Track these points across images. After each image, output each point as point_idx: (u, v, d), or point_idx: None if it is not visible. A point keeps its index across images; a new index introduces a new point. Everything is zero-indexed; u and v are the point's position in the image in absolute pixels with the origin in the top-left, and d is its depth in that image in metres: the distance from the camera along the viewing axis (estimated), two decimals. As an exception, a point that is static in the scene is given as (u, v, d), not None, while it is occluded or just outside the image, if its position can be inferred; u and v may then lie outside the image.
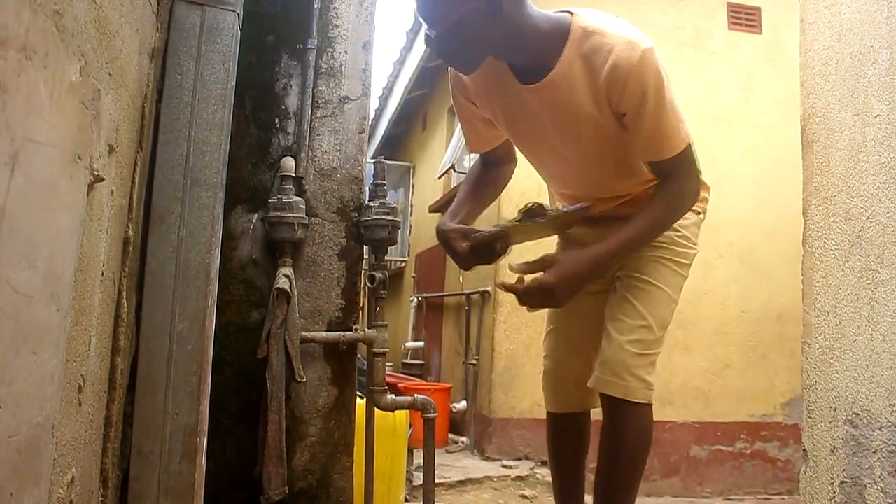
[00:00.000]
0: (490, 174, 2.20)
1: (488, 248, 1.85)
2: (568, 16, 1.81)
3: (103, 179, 1.32)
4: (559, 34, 1.79)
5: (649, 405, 1.95)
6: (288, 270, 2.28)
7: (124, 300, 1.59)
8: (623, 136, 1.86)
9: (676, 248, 2.04)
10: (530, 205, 1.82)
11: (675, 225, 1.99)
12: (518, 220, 1.83)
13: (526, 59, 1.83)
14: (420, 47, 7.57)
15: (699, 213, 2.15)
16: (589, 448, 2.23)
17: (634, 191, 2.03)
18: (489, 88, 1.95)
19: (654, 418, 2.03)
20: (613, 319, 1.96)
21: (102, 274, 1.42)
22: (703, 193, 2.09)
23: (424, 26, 1.76)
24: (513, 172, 2.25)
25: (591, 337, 2.06)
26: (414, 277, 8.42)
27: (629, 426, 1.94)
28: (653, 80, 1.75)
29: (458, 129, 6.96)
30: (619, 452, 1.96)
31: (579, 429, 2.22)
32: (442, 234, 1.92)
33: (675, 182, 1.87)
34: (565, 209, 1.96)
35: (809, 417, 1.59)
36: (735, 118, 5.71)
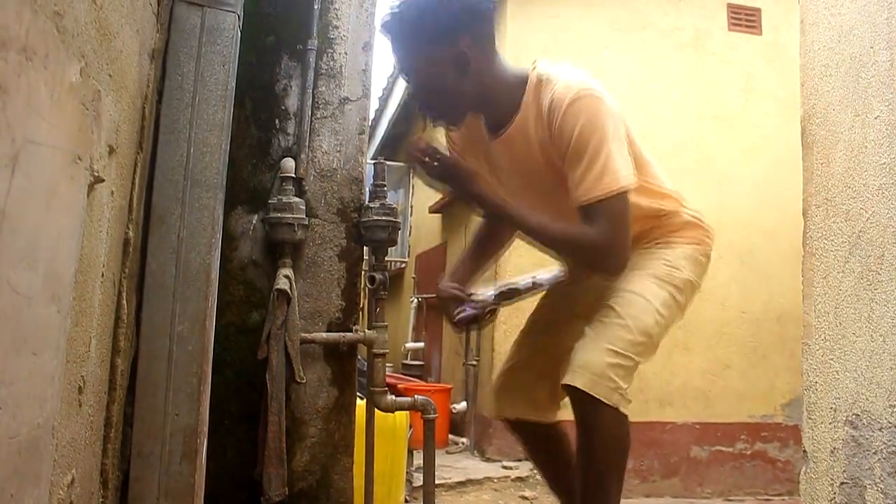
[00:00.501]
0: (492, 230, 2.25)
1: (475, 318, 2.01)
2: (529, 68, 1.90)
3: (103, 180, 1.32)
4: (520, 85, 1.88)
5: (622, 414, 1.79)
6: (288, 271, 2.28)
7: (124, 301, 1.59)
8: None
9: (661, 268, 1.97)
10: (503, 288, 2.03)
11: (663, 254, 1.97)
12: (494, 302, 2.03)
13: (494, 112, 1.92)
14: (420, 48, 7.56)
15: (697, 244, 2.06)
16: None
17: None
18: (472, 145, 2.05)
19: (654, 419, 2.01)
20: (590, 322, 1.90)
21: (102, 275, 1.42)
22: (702, 236, 2.05)
23: (406, 83, 1.92)
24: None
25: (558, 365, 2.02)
26: (414, 278, 8.42)
27: (596, 428, 1.79)
28: (585, 119, 1.76)
29: (459, 129, 6.97)
30: (586, 460, 1.84)
31: (547, 435, 2.15)
32: (438, 294, 2.05)
33: (594, 228, 1.79)
34: (538, 281, 2.06)
35: (809, 418, 1.59)
36: (735, 119, 5.71)
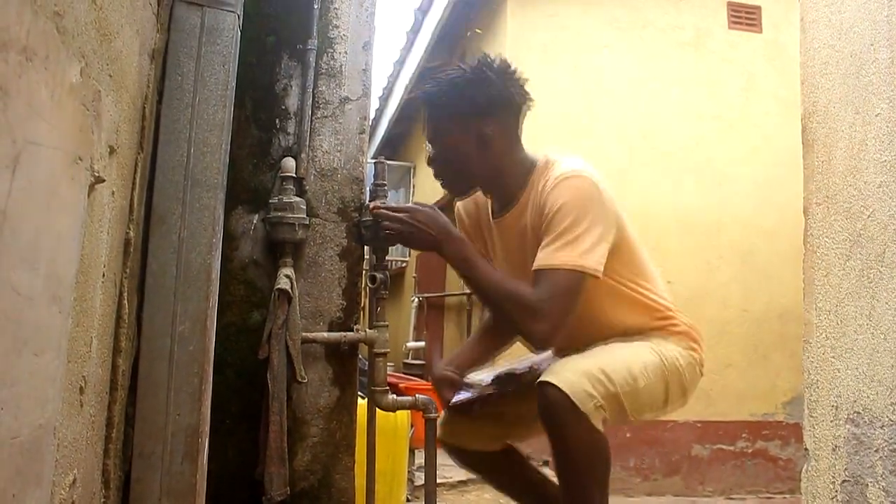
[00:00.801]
0: (497, 324, 2.25)
1: (472, 403, 2.02)
2: (540, 153, 1.97)
3: (104, 181, 1.32)
4: (528, 169, 1.94)
5: (594, 426, 1.71)
6: (289, 271, 2.28)
7: (125, 301, 1.59)
8: None
9: (654, 340, 1.96)
10: (502, 374, 1.97)
11: (656, 337, 1.95)
12: (491, 390, 2.02)
13: (502, 194, 1.98)
14: (420, 47, 7.58)
15: (690, 350, 2.01)
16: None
17: (606, 332, 1.96)
18: (478, 223, 2.13)
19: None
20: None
21: (103, 275, 1.42)
22: (695, 346, 2.02)
23: (428, 147, 1.97)
24: None
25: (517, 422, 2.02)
26: (415, 277, 8.42)
27: (567, 436, 1.70)
28: (569, 197, 1.80)
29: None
30: (561, 472, 1.76)
31: (494, 461, 2.12)
32: (433, 377, 2.09)
33: (534, 290, 1.78)
34: (535, 365, 2.02)
35: (811, 416, 1.59)
36: (736, 118, 5.71)
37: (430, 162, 1.98)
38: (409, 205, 1.92)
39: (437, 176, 2.02)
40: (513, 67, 1.94)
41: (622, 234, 1.91)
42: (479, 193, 2.09)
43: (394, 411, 2.48)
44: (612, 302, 1.92)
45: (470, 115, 1.90)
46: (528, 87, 1.96)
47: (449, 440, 2.12)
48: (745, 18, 5.86)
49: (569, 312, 1.76)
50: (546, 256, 1.77)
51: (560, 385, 1.71)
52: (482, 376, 2.03)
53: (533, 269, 1.78)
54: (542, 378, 1.75)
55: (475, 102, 1.90)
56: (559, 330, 1.78)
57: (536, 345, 1.86)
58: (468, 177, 1.97)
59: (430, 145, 1.97)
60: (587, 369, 1.75)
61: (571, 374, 1.74)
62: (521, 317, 1.78)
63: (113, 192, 1.44)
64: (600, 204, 1.82)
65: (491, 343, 2.25)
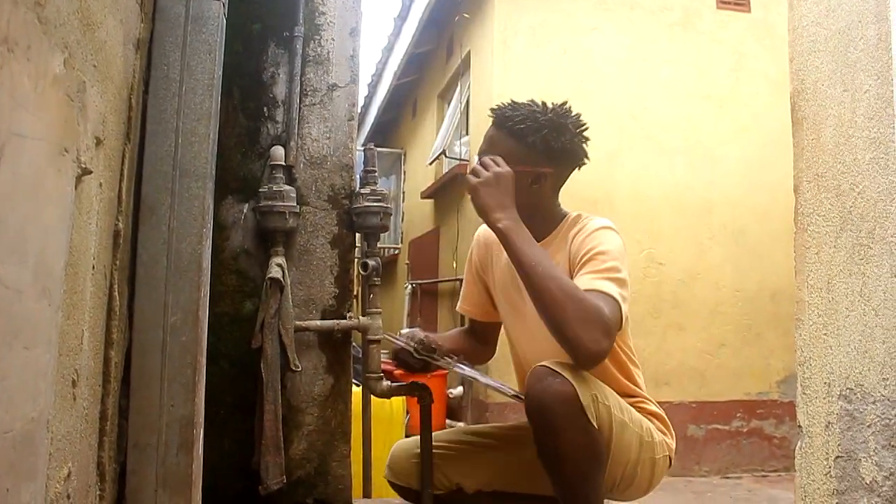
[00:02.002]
0: (472, 340, 2.26)
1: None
2: (572, 211, 2.01)
3: (91, 172, 1.31)
4: (559, 218, 1.99)
5: (591, 424, 1.63)
6: (280, 260, 2.28)
7: (116, 293, 1.59)
8: None
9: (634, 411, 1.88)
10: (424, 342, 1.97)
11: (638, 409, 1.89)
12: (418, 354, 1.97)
13: (533, 229, 1.90)
14: (408, 33, 7.55)
15: (661, 432, 1.92)
16: None
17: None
18: (492, 257, 2.11)
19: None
20: None
21: (93, 267, 1.41)
22: (662, 427, 1.93)
23: (475, 160, 1.93)
24: (486, 359, 2.35)
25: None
26: (407, 264, 8.42)
27: (561, 428, 1.61)
28: (600, 240, 1.82)
29: (449, 114, 6.96)
30: (551, 471, 1.68)
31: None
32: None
33: (605, 310, 1.67)
34: (463, 367, 1.98)
35: (804, 393, 1.59)
36: (726, 98, 5.71)
37: (473, 172, 1.91)
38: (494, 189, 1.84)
39: (477, 193, 1.92)
40: (585, 124, 1.99)
41: None
42: None
43: (388, 398, 2.49)
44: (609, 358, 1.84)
45: (537, 155, 1.91)
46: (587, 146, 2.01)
47: (397, 480, 2.09)
48: (734, -2, 5.85)
49: (613, 340, 1.69)
50: (601, 283, 1.71)
51: (564, 373, 1.63)
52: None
53: (588, 287, 1.70)
54: (546, 363, 1.68)
55: (548, 146, 1.91)
56: (608, 352, 1.68)
57: (592, 360, 1.66)
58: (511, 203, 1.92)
59: (481, 157, 1.94)
60: (589, 380, 1.70)
61: (574, 371, 1.67)
62: (590, 326, 1.63)
63: (101, 184, 1.43)
64: (621, 251, 1.84)
65: (466, 345, 2.23)
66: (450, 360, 1.91)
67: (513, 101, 1.96)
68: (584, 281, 1.72)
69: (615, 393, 1.79)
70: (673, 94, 5.63)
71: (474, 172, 1.87)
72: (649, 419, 1.90)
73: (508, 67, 5.45)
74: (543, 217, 1.97)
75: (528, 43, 5.50)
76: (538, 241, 1.89)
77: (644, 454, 1.82)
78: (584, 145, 1.97)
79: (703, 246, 5.53)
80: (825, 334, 1.53)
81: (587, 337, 1.62)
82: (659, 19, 5.70)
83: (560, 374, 1.63)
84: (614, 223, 1.94)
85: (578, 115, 1.99)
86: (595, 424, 1.64)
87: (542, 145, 1.90)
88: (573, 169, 2.00)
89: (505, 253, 1.89)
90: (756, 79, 5.71)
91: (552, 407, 1.62)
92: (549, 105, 1.95)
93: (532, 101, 1.97)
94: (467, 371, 1.92)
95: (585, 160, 1.99)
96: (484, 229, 2.14)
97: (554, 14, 5.55)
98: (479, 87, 5.98)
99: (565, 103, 1.98)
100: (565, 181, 2.02)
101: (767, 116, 5.41)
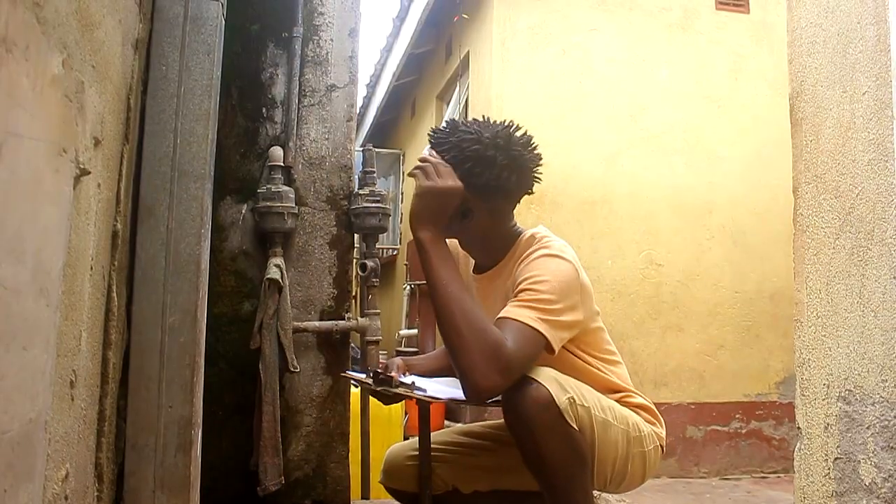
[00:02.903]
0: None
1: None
2: (527, 230, 1.88)
3: (90, 173, 1.31)
4: (513, 239, 1.86)
5: (570, 427, 1.61)
6: (279, 260, 2.27)
7: (114, 294, 1.59)
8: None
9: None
10: (380, 373, 1.83)
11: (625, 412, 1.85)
12: (371, 386, 1.85)
13: (483, 257, 1.90)
14: (407, 34, 7.55)
15: (649, 423, 1.89)
16: None
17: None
18: (463, 264, 2.02)
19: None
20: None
21: (92, 268, 1.41)
22: (650, 417, 1.90)
23: (426, 151, 1.81)
24: None
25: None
26: (406, 265, 8.41)
27: (539, 428, 1.59)
28: (540, 270, 1.70)
29: (447, 115, 6.96)
30: (536, 473, 1.65)
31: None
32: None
33: (504, 338, 1.60)
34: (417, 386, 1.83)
35: (803, 395, 1.59)
36: (725, 99, 5.71)
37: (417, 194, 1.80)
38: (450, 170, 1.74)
39: (421, 209, 1.82)
40: (531, 147, 1.83)
41: (588, 322, 1.84)
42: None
43: (387, 399, 2.48)
44: (568, 373, 1.82)
45: (477, 186, 1.77)
46: (539, 171, 1.87)
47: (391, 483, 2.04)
48: (733, -1, 5.86)
49: (522, 373, 1.62)
50: (519, 311, 1.65)
51: (540, 379, 1.61)
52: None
53: (500, 315, 1.65)
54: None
55: (473, 181, 1.76)
56: (502, 390, 1.62)
57: (477, 394, 1.62)
58: (449, 230, 1.83)
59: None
60: (557, 376, 1.67)
61: (552, 375, 1.66)
62: (482, 358, 1.58)
63: (99, 184, 1.43)
64: (576, 292, 1.73)
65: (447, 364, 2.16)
66: (407, 386, 1.82)
67: (450, 122, 1.83)
68: (511, 310, 1.66)
69: (594, 390, 1.77)
70: (672, 95, 5.63)
71: (425, 172, 1.75)
72: (636, 411, 1.88)
73: (507, 68, 5.45)
74: (494, 244, 1.88)
75: (526, 44, 5.50)
76: (490, 268, 1.88)
77: (633, 449, 1.80)
78: (524, 175, 1.82)
79: (702, 247, 5.53)
80: (824, 336, 1.52)
81: (478, 371, 1.58)
82: (658, 20, 5.70)
83: (535, 379, 1.61)
84: (566, 250, 1.80)
85: (522, 139, 1.82)
86: (575, 427, 1.62)
87: (467, 179, 1.76)
88: (515, 201, 1.87)
89: (468, 270, 1.94)
90: (755, 80, 5.71)
91: (530, 414, 1.60)
92: (488, 131, 1.79)
93: (473, 121, 1.83)
94: (428, 394, 1.82)
95: (527, 191, 1.86)
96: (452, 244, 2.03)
97: (552, 15, 5.55)
98: (477, 88, 5.98)
99: (510, 126, 1.82)
100: (513, 207, 1.89)
101: (767, 117, 5.41)
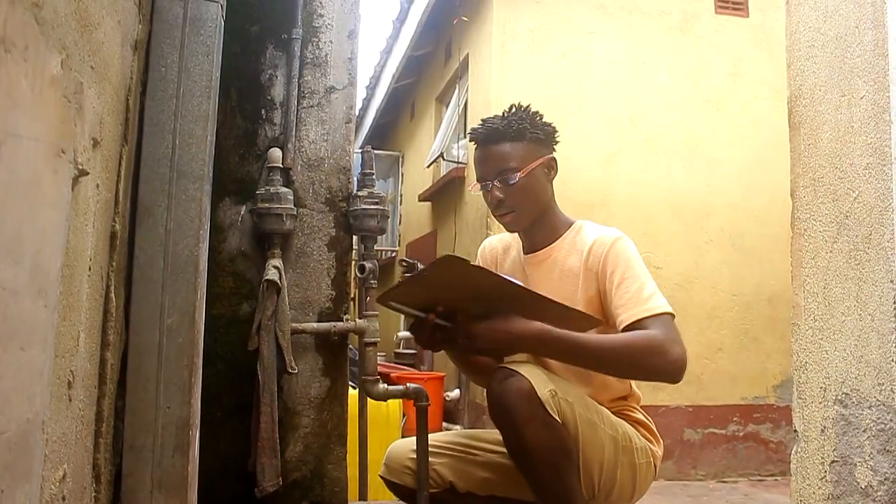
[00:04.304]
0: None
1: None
2: (577, 220, 2.04)
3: (88, 173, 1.31)
4: (567, 222, 2.01)
5: (553, 419, 1.64)
6: (277, 262, 2.27)
7: (113, 295, 1.59)
8: (598, 316, 1.84)
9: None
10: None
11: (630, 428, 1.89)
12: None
13: (539, 232, 1.99)
14: (406, 36, 7.55)
15: (645, 439, 1.93)
16: None
17: (600, 396, 1.91)
18: (500, 259, 2.12)
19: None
20: None
21: (90, 269, 1.41)
22: (656, 449, 1.93)
23: (494, 182, 1.92)
24: None
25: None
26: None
27: (524, 423, 1.63)
28: (624, 256, 1.86)
29: (447, 117, 6.96)
30: (522, 468, 1.69)
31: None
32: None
33: (656, 332, 1.75)
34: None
35: (800, 398, 1.60)
36: (724, 102, 5.72)
37: (501, 193, 1.91)
38: (502, 319, 1.72)
39: (507, 207, 1.92)
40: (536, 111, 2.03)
41: None
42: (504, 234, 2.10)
43: (385, 400, 2.48)
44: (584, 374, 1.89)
45: (543, 141, 1.97)
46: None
47: (401, 480, 2.04)
48: (732, 3, 5.86)
49: (680, 343, 1.79)
50: (644, 306, 1.78)
51: (523, 372, 1.66)
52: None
53: (639, 318, 1.77)
54: (505, 363, 1.73)
55: (545, 130, 1.98)
56: (685, 359, 1.79)
57: (679, 375, 1.79)
58: (539, 205, 1.96)
59: (496, 181, 1.91)
60: (542, 372, 1.71)
61: (534, 371, 1.70)
62: (658, 357, 1.75)
63: (98, 185, 1.43)
64: (639, 259, 1.89)
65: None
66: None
67: (486, 120, 1.98)
68: (637, 310, 1.78)
69: (584, 395, 1.80)
70: (671, 98, 5.64)
71: (485, 339, 1.71)
72: (634, 426, 1.92)
73: (506, 71, 5.46)
74: (553, 216, 2.00)
75: (526, 46, 5.50)
76: (548, 244, 1.97)
77: (622, 457, 1.82)
78: (545, 124, 2.02)
79: (700, 250, 5.54)
80: (821, 339, 1.53)
81: (670, 361, 1.75)
82: (657, 23, 5.71)
83: (517, 371, 1.67)
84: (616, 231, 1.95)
85: (529, 105, 2.03)
86: (557, 418, 1.66)
87: (542, 132, 1.96)
88: (549, 145, 2.04)
89: (509, 257, 2.05)
90: (754, 83, 5.72)
91: (512, 403, 1.65)
92: (508, 108, 2.00)
93: (496, 115, 2.01)
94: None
95: (555, 141, 2.04)
96: (487, 241, 2.18)
97: (552, 17, 5.56)
98: (477, 90, 5.99)
99: (512, 106, 2.01)
100: (553, 172, 2.04)
101: (765, 121, 5.42)
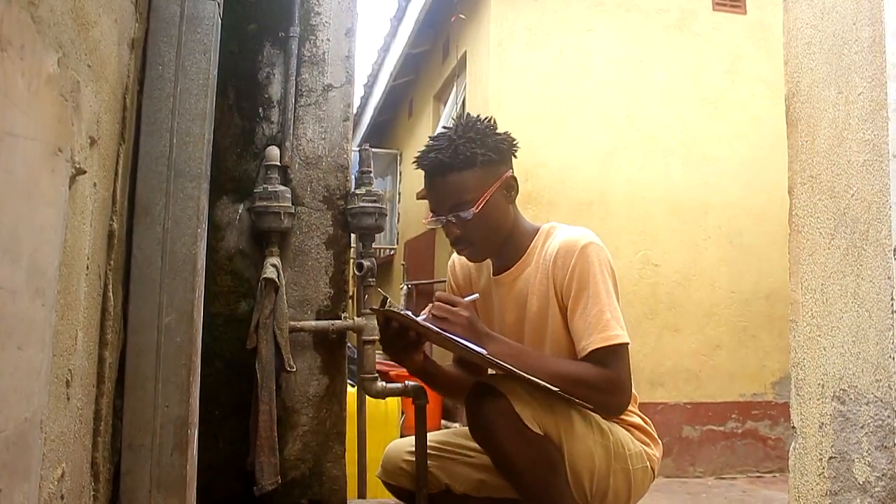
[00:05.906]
0: (462, 370, 2.09)
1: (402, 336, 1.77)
2: (541, 223, 1.94)
3: (85, 172, 1.31)
4: (531, 232, 1.91)
5: (537, 434, 1.66)
6: (275, 260, 2.27)
7: (111, 293, 1.58)
8: (567, 333, 1.82)
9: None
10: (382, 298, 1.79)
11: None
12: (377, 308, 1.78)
13: (505, 253, 1.90)
14: (404, 34, 7.54)
15: (642, 443, 1.91)
16: None
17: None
18: (471, 280, 2.03)
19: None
20: None
21: (88, 267, 1.41)
22: (644, 437, 1.92)
23: (448, 218, 1.80)
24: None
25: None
26: (403, 265, 8.41)
27: (504, 438, 1.64)
28: (589, 273, 1.77)
29: (445, 115, 6.96)
30: (508, 477, 1.71)
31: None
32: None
33: (609, 371, 1.73)
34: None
35: (798, 395, 1.60)
36: (721, 100, 5.71)
37: (458, 229, 1.81)
38: (461, 300, 1.77)
39: (465, 242, 1.84)
40: (488, 118, 1.90)
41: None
42: None
43: (383, 398, 2.48)
44: None
45: (497, 162, 1.82)
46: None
47: (399, 482, 2.03)
48: (730, 0, 5.86)
49: (629, 380, 1.77)
50: (601, 334, 1.74)
51: (492, 383, 1.69)
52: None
53: (593, 348, 1.73)
54: (485, 379, 1.76)
55: (499, 147, 1.83)
56: (629, 400, 1.80)
57: (620, 413, 1.83)
58: (500, 233, 1.85)
59: (451, 213, 1.80)
60: (519, 388, 1.70)
61: (499, 382, 1.71)
62: (607, 397, 1.76)
63: (95, 184, 1.43)
64: (610, 269, 1.81)
65: (454, 379, 2.07)
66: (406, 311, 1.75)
67: (430, 140, 1.86)
68: (593, 338, 1.74)
69: (573, 404, 1.78)
70: (668, 96, 5.63)
71: (448, 322, 1.72)
72: (629, 430, 1.90)
73: (504, 68, 5.46)
74: (520, 230, 1.90)
75: (523, 44, 5.50)
76: (514, 262, 1.89)
77: (616, 464, 1.81)
78: (497, 136, 1.87)
79: (698, 247, 5.54)
80: (819, 336, 1.53)
81: (614, 404, 1.78)
82: (655, 21, 5.70)
83: (494, 387, 1.68)
84: (592, 230, 1.87)
85: (479, 116, 1.89)
86: (537, 431, 1.66)
87: (492, 155, 1.81)
88: (506, 162, 1.90)
89: (482, 276, 1.96)
90: (751, 80, 5.71)
91: (490, 420, 1.67)
92: (456, 123, 1.86)
93: (444, 128, 1.88)
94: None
95: (512, 151, 1.90)
96: (454, 256, 2.05)
97: (550, 15, 5.55)
98: (475, 88, 5.98)
99: (461, 116, 1.91)
100: (513, 191, 1.91)
101: (763, 118, 5.41)
